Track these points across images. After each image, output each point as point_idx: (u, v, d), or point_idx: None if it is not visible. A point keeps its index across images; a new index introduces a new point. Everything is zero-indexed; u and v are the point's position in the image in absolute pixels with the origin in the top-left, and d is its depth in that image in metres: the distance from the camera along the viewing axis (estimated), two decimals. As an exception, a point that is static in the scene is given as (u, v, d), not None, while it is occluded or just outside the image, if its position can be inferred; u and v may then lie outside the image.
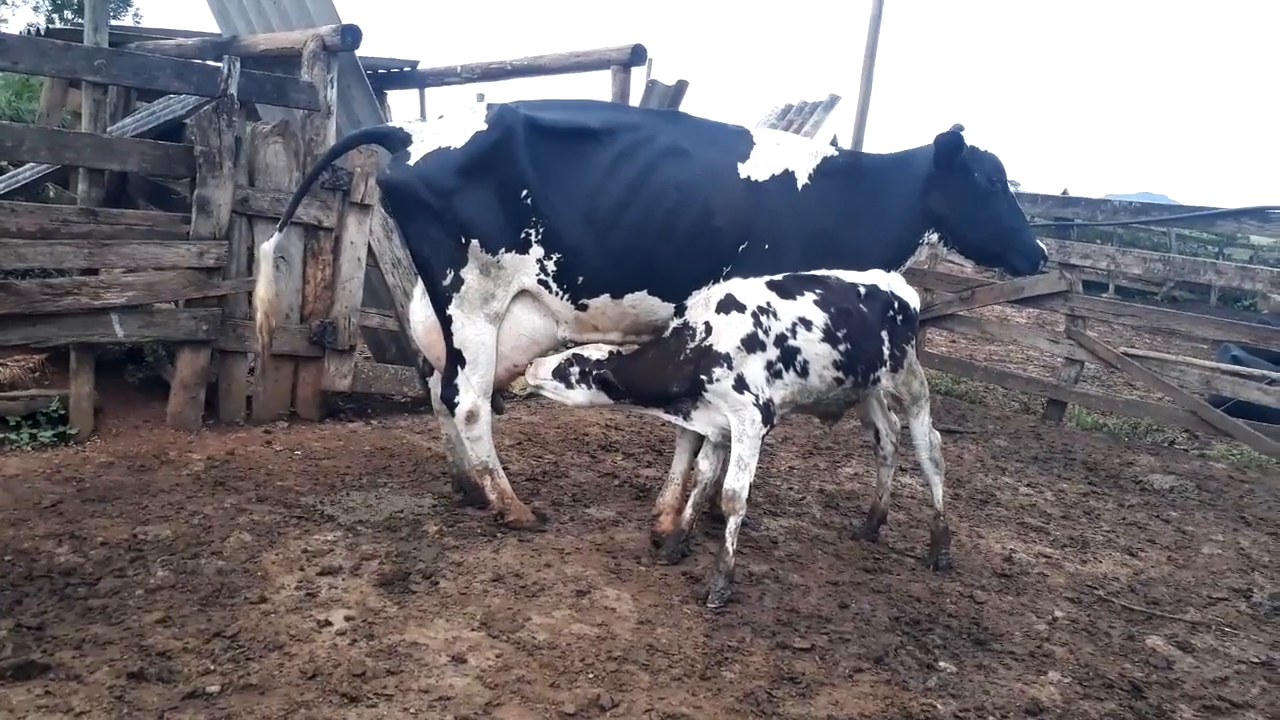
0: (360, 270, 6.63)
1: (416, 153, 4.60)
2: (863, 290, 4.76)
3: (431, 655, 3.66)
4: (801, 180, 4.99)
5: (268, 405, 6.46)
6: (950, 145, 5.06)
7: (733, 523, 4.40)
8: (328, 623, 3.84)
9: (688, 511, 4.83)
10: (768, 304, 4.51)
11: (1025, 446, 8.07)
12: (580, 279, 4.76)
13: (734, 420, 4.44)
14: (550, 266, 4.72)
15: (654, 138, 4.80)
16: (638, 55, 7.87)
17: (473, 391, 4.80)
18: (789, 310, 4.54)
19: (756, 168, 4.92)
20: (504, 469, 5.89)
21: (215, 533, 4.60)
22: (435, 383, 5.18)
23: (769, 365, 4.47)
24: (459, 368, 4.79)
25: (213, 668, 3.44)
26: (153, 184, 7.22)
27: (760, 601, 4.44)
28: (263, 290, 4.87)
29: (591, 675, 3.64)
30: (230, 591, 4.03)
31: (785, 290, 4.60)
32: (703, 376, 4.43)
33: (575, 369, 4.63)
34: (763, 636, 4.10)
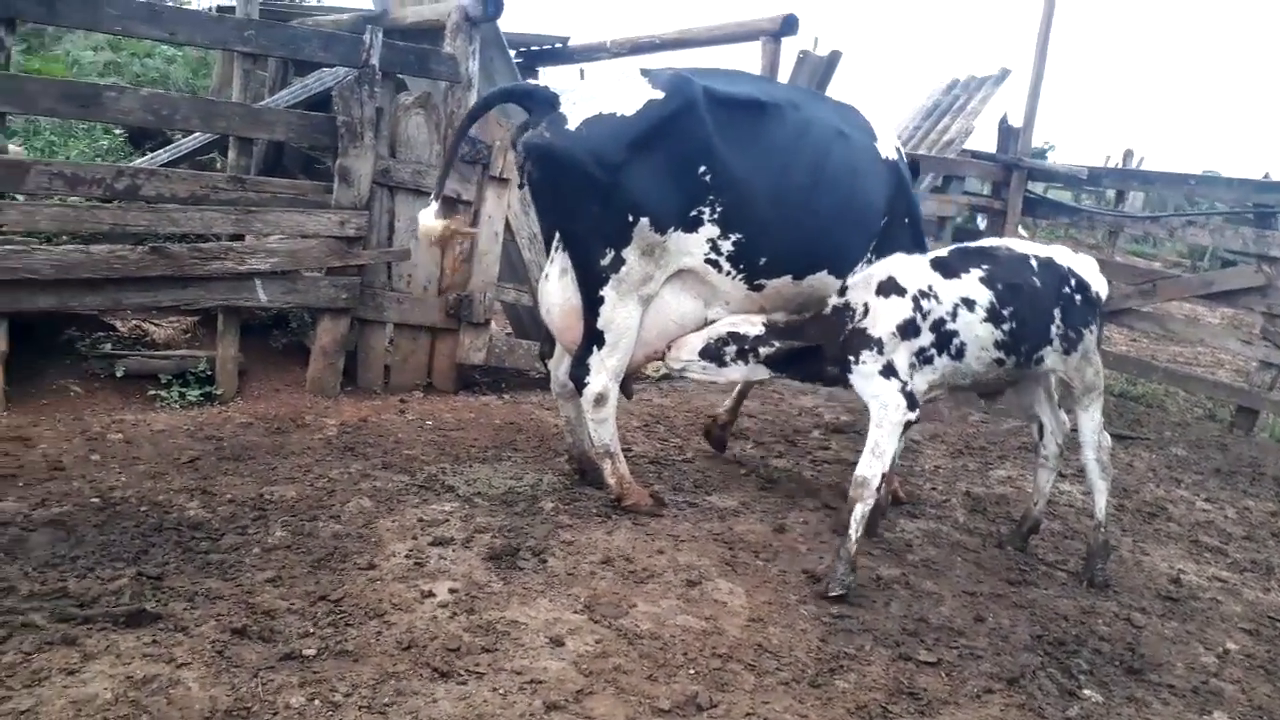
0: (497, 245, 6.62)
1: (573, 117, 4.31)
2: (1035, 263, 4.53)
3: (530, 635, 3.54)
4: (901, 161, 5.27)
5: (404, 375, 6.54)
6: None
7: (859, 510, 4.18)
8: (431, 594, 3.78)
9: None
10: (929, 287, 4.36)
11: (1207, 457, 7.31)
12: (763, 260, 4.66)
13: (873, 406, 4.29)
14: (726, 246, 4.58)
15: (815, 116, 4.84)
16: (789, 25, 7.56)
17: (605, 374, 4.62)
18: (951, 291, 4.36)
19: (886, 146, 5.10)
20: (627, 451, 5.78)
21: (337, 497, 4.64)
22: (556, 364, 5.06)
23: (920, 351, 4.32)
24: (595, 348, 4.60)
25: (313, 630, 3.43)
26: (305, 155, 7.44)
27: (886, 608, 4.12)
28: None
29: (692, 671, 3.44)
30: (342, 556, 4.03)
31: (949, 268, 4.44)
32: (850, 358, 4.35)
33: (732, 347, 4.57)
34: (884, 645, 3.78)
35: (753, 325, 4.57)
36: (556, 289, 4.72)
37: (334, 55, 5.85)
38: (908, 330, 4.27)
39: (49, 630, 3.20)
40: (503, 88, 4.82)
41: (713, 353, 4.55)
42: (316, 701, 3.03)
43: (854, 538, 4.16)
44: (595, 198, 4.33)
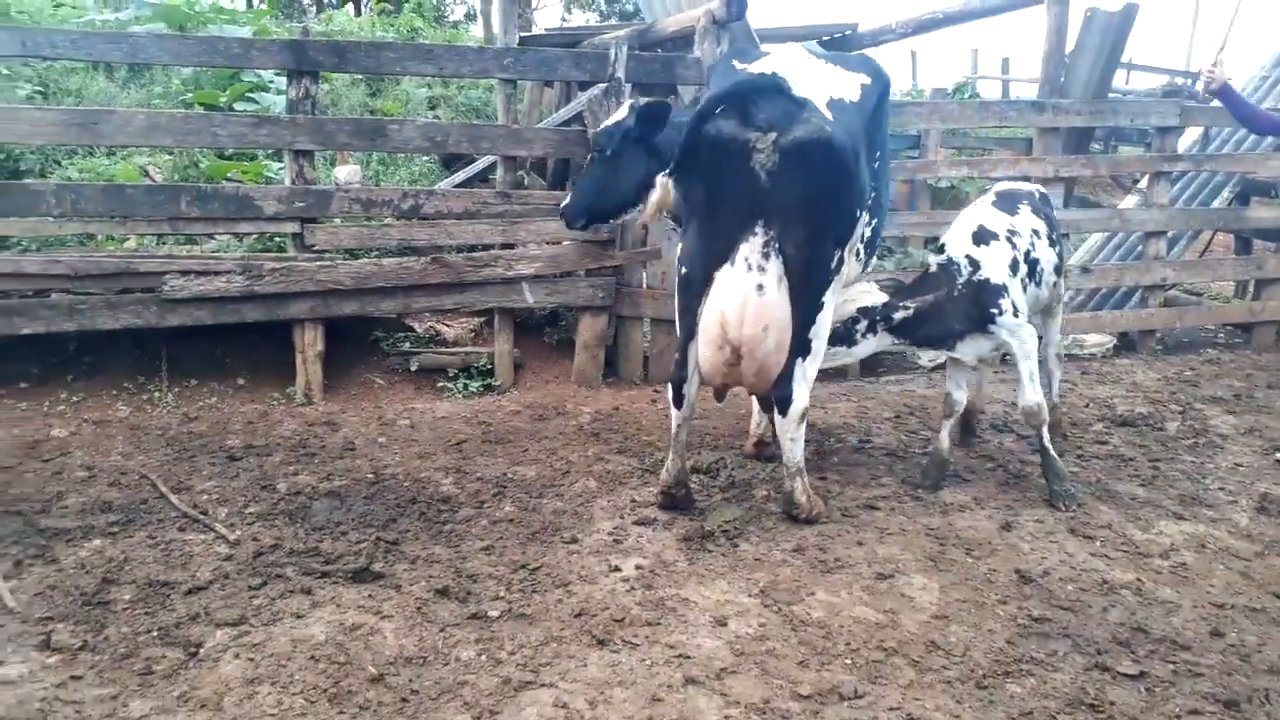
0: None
1: (820, 105, 3.87)
2: (1039, 195, 5.19)
3: (696, 614, 3.66)
4: None
5: (662, 366, 6.86)
6: None
7: (1045, 431, 4.79)
8: (617, 569, 4.02)
9: (944, 440, 4.99)
10: (1011, 226, 4.84)
11: None
12: (876, 239, 4.75)
13: (1014, 343, 4.69)
14: (866, 233, 4.53)
15: (873, 76, 4.50)
16: (1076, -17, 6.92)
17: (807, 386, 4.27)
18: (1023, 225, 4.88)
19: None
20: (866, 441, 5.69)
21: (569, 477, 5.04)
22: (690, 386, 4.53)
23: (1023, 282, 4.80)
24: (800, 360, 4.19)
25: (503, 595, 3.80)
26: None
27: (1102, 614, 3.73)
28: None
29: (848, 661, 3.38)
30: (554, 530, 4.40)
31: (1009, 208, 4.93)
32: (992, 310, 4.65)
33: (863, 323, 4.72)
34: (1082, 653, 3.45)
35: (873, 296, 4.66)
36: (779, 302, 4.02)
37: (584, 72, 6.30)
38: (1015, 267, 4.75)
39: (294, 581, 3.85)
40: (727, 88, 3.91)
41: (843, 335, 4.63)
42: (483, 656, 3.38)
43: (1054, 452, 4.83)
44: (847, 191, 3.95)
